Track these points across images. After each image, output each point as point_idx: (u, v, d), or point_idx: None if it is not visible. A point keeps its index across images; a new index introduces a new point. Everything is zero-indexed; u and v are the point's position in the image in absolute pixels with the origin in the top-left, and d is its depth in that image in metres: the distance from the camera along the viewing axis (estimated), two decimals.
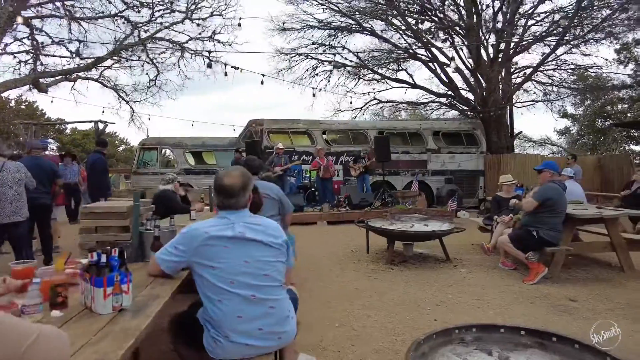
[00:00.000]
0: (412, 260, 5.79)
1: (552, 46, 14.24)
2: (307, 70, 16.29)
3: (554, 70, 15.78)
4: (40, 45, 11.70)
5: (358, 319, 3.66)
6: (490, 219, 6.24)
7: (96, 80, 13.29)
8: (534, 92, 16.80)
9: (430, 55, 15.36)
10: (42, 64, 12.05)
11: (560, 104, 17.87)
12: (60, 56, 11.75)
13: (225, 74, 12.38)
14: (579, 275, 5.05)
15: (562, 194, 4.74)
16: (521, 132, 18.23)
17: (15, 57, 11.81)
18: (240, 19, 12.69)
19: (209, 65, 12.49)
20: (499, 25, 14.35)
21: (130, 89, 14.49)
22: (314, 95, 14.93)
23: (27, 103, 30.67)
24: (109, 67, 13.20)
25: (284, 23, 14.20)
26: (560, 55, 15.07)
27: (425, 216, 6.55)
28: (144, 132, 15.93)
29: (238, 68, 12.40)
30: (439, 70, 15.32)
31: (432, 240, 5.84)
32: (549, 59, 14.73)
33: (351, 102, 16.57)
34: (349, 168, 11.46)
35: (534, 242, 4.76)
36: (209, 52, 12.73)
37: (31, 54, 11.53)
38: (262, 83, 12.59)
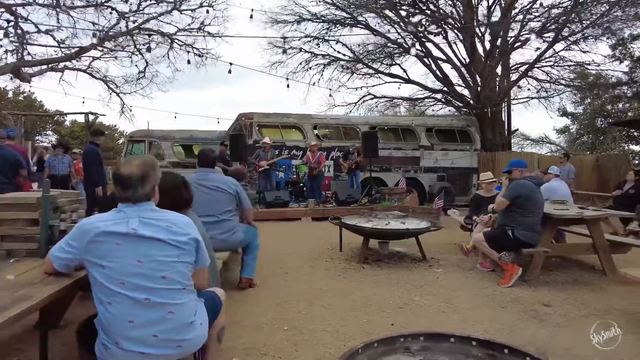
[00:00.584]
0: (387, 259, 5.56)
1: (549, 42, 13.89)
2: (300, 63, 16.05)
3: (551, 66, 15.45)
4: (26, 34, 11.49)
5: (312, 321, 3.43)
6: (470, 217, 6.00)
7: (84, 71, 13.10)
8: (528, 89, 16.50)
9: (424, 50, 15.04)
10: (29, 53, 11.86)
11: (558, 102, 17.56)
12: (45, 45, 11.56)
13: (188, 62, 12.25)
14: (558, 279, 4.80)
15: (534, 190, 4.45)
16: (517, 129, 17.91)
17: (1, 45, 11.65)
18: (211, 5, 12.53)
19: (148, 49, 12.34)
20: (495, 19, 14.01)
21: (120, 80, 14.34)
22: (288, 86, 14.56)
23: (25, 94, 30.65)
24: (98, 58, 13.01)
25: (252, 10, 13.63)
26: (559, 51, 14.76)
27: (403, 214, 6.31)
28: (134, 124, 15.82)
29: (202, 55, 12.26)
30: (433, 66, 15.01)
31: (409, 239, 5.62)
32: (546, 55, 14.40)
33: (331, 95, 16.53)
34: (340, 164, 11.24)
35: (510, 243, 4.50)
36: (168, 41, 12.52)
37: (14, 43, 11.32)
38: (229, 72, 12.54)
